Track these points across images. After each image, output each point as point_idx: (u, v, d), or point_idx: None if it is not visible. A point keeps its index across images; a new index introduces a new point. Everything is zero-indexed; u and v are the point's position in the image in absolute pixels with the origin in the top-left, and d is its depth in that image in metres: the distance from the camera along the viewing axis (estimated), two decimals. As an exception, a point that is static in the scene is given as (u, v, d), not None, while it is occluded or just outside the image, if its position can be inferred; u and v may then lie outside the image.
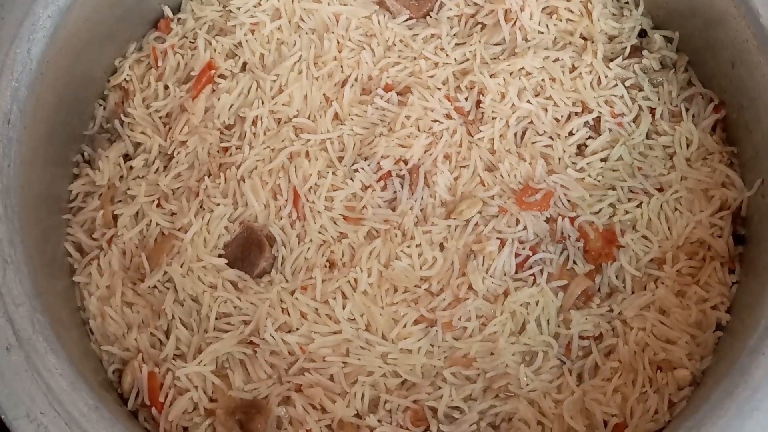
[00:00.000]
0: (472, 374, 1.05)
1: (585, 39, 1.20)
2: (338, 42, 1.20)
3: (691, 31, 1.20)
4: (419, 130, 1.13)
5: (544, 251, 1.09)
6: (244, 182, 1.13)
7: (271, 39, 1.22)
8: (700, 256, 1.11)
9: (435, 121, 1.14)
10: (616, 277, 1.10)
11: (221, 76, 1.20)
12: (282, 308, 1.08)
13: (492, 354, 1.06)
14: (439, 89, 1.16)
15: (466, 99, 1.16)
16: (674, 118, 1.17)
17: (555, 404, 1.04)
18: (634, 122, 1.16)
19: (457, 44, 1.20)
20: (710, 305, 1.08)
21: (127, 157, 1.20)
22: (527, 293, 1.07)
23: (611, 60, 1.18)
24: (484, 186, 1.12)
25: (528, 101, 1.15)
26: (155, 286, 1.11)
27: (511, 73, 1.16)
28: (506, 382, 1.04)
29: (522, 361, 1.06)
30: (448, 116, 1.15)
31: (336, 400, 1.04)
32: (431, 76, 1.17)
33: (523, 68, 1.16)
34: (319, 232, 1.11)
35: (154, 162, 1.18)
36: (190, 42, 1.23)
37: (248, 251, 1.11)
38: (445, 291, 1.08)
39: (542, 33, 1.20)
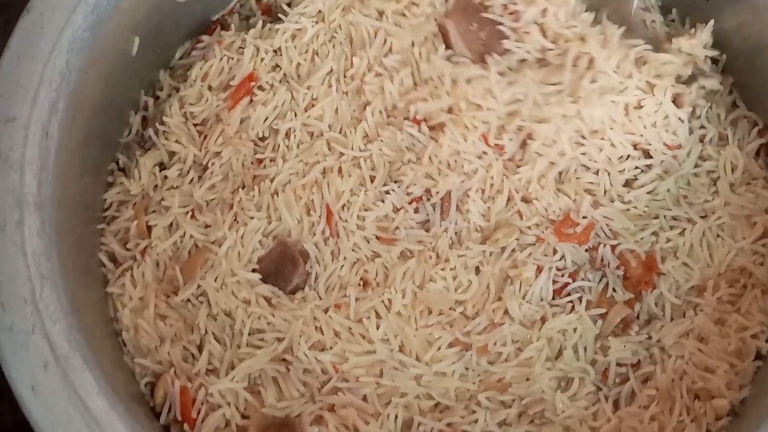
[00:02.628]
0: (507, 399, 1.04)
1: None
2: (369, 62, 1.17)
3: (735, 53, 1.17)
4: (449, 168, 1.11)
5: (582, 279, 1.08)
6: (278, 196, 1.12)
7: (309, 47, 1.20)
8: (741, 284, 1.10)
9: (467, 160, 1.11)
10: (656, 304, 1.09)
11: (260, 87, 1.19)
12: (315, 326, 1.07)
13: (527, 379, 1.05)
14: (476, 127, 1.11)
15: (510, 140, 1.12)
16: (720, 142, 1.16)
17: (591, 431, 1.03)
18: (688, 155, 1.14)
19: (507, 83, 1.13)
20: (750, 334, 1.07)
21: (162, 166, 1.20)
22: (565, 320, 1.05)
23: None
24: (521, 217, 1.10)
25: (581, 143, 1.11)
26: (188, 300, 1.10)
27: (564, 116, 1.11)
28: (542, 408, 1.03)
29: (558, 386, 1.05)
30: (482, 156, 1.11)
31: (369, 421, 1.03)
32: (473, 117, 1.11)
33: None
34: (353, 250, 1.10)
35: (188, 172, 1.18)
36: (239, 47, 1.22)
37: (282, 266, 1.10)
38: (480, 315, 1.06)
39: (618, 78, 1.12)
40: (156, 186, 1.18)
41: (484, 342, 1.05)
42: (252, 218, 1.11)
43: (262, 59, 1.20)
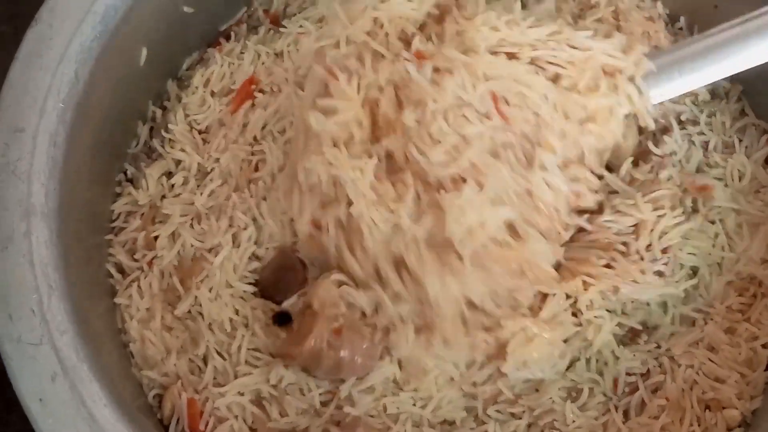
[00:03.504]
0: (517, 411, 1.03)
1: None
2: None
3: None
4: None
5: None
6: (265, 201, 1.12)
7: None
8: (750, 293, 1.09)
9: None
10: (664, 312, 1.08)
11: (261, 91, 1.19)
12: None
13: (537, 390, 1.04)
14: None
15: None
16: (727, 150, 1.15)
17: (601, 442, 1.02)
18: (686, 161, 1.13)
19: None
20: (761, 343, 1.06)
21: (169, 175, 1.19)
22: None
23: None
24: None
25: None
26: (190, 311, 1.10)
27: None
28: (552, 419, 1.02)
29: (567, 396, 1.04)
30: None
31: (379, 436, 1.02)
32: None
33: None
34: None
35: (190, 180, 1.17)
36: (240, 53, 1.22)
37: (282, 276, 1.09)
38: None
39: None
40: (163, 196, 1.18)
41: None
42: (245, 229, 1.11)
43: (263, 63, 1.20)
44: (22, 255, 0.96)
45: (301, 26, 1.21)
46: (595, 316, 1.04)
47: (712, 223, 1.10)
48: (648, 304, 1.06)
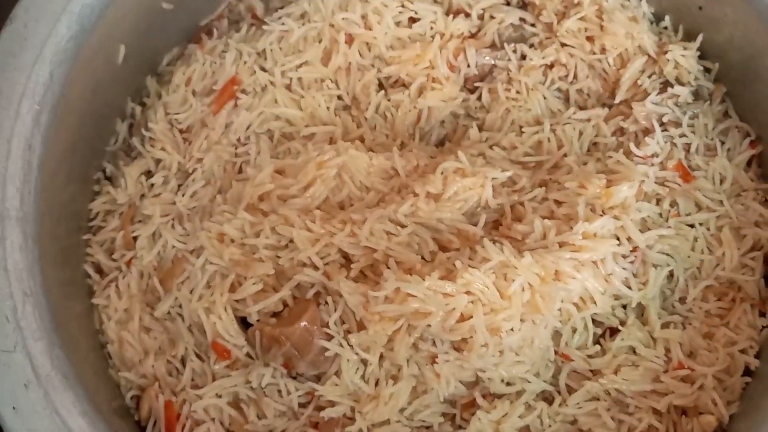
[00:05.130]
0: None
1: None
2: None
3: (730, 63, 1.16)
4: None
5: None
6: None
7: (295, 49, 1.19)
8: (729, 297, 1.08)
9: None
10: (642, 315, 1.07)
11: (244, 91, 1.18)
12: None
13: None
14: None
15: None
16: (709, 152, 1.14)
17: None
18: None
19: None
20: (738, 348, 1.05)
21: (149, 174, 1.19)
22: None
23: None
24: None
25: None
26: (169, 312, 1.10)
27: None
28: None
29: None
30: None
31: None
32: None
33: None
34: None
35: (171, 180, 1.16)
36: (222, 51, 1.21)
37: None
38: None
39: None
40: (143, 195, 1.17)
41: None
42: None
43: (245, 62, 1.18)
44: (-5, 261, 0.95)
45: (283, 23, 1.20)
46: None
47: (692, 226, 1.09)
48: (624, 306, 1.06)
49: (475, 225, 1.05)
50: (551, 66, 1.18)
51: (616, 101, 1.16)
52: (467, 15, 1.19)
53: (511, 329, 0.99)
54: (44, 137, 1.04)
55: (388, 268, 1.02)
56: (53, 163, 1.06)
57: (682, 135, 1.13)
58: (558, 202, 1.06)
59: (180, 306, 1.09)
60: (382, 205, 1.07)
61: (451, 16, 1.18)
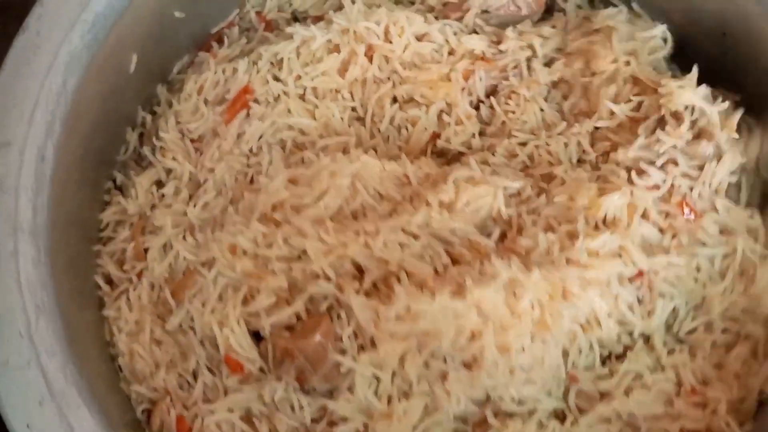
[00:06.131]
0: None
1: None
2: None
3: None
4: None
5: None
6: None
7: (314, 57, 1.18)
8: (734, 330, 1.07)
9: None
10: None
11: (256, 100, 1.17)
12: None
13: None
14: None
15: None
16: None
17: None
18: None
19: None
20: (751, 380, 1.04)
21: (159, 184, 1.18)
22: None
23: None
24: None
25: None
26: (180, 325, 1.08)
27: None
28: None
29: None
30: None
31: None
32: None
33: None
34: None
35: (182, 190, 1.15)
36: (234, 58, 1.20)
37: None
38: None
39: None
40: (153, 205, 1.16)
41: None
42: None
43: (258, 71, 1.17)
44: (9, 275, 0.94)
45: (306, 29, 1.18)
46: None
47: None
48: (630, 333, 1.05)
49: (488, 236, 1.05)
50: (556, 85, 1.17)
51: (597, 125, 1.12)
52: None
53: (522, 348, 0.99)
54: (57, 147, 1.02)
55: (399, 280, 1.01)
56: (64, 173, 1.05)
57: (685, 175, 1.07)
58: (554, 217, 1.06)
59: (192, 319, 1.07)
60: (395, 215, 1.06)
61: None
